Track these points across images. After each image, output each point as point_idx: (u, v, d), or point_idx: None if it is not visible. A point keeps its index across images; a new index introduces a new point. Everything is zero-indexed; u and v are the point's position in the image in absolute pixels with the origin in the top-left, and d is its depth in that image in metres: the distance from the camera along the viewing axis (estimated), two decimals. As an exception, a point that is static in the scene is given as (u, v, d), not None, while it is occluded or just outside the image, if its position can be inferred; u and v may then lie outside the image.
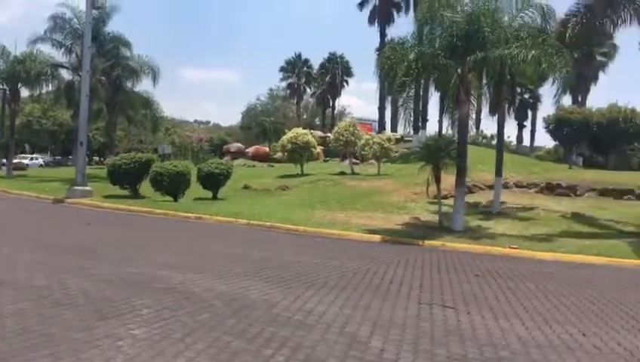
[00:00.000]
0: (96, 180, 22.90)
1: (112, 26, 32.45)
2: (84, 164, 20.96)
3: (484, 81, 17.23)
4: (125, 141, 47.95)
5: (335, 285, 7.38)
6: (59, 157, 60.94)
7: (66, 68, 31.32)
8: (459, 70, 14.93)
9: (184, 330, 5.06)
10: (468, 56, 14.50)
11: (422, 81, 16.99)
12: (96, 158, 51.61)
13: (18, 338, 4.60)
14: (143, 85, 32.73)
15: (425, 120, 41.34)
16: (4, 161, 44.43)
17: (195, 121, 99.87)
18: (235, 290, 6.76)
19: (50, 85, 32.40)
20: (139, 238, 11.77)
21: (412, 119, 28.45)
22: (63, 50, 30.43)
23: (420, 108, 37.11)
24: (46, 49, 30.95)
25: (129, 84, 31.90)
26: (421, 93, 30.06)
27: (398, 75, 14.82)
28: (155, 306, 5.85)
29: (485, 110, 28.58)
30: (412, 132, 37.72)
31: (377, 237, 12.69)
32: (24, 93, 34.21)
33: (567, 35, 15.51)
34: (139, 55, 32.05)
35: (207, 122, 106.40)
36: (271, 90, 74.84)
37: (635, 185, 19.24)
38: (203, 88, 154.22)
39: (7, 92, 34.51)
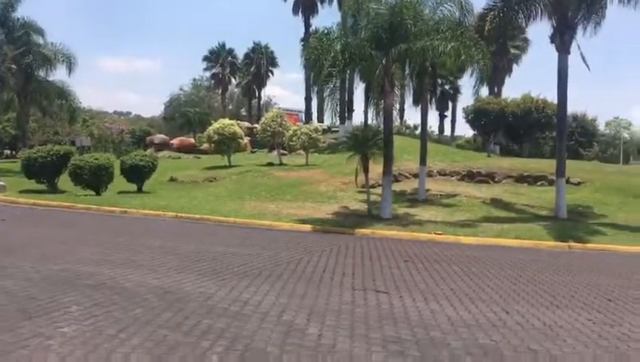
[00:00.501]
0: (10, 175, 21.54)
1: (22, 12, 30.53)
2: (-5, 158, 19.64)
3: (407, 72, 17.79)
4: (39, 133, 45.19)
5: (270, 275, 7.41)
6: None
7: (-30, 54, 29.14)
8: (383, 61, 15.29)
9: (118, 326, 4.92)
10: (392, 47, 14.89)
11: (347, 72, 17.25)
12: (7, 152, 48.45)
13: None
14: (58, 75, 31.08)
15: (351, 110, 41.99)
16: None
17: (115, 112, 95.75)
18: (169, 284, 6.64)
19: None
20: (61, 234, 11.23)
21: (338, 110, 28.90)
22: (-35, 36, 28.33)
23: (346, 99, 37.63)
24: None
25: (42, 73, 30.19)
26: (347, 84, 30.54)
27: (324, 65, 14.98)
28: (84, 303, 5.64)
29: (408, 101, 29.54)
30: (339, 122, 38.24)
31: (308, 227, 12.83)
32: None
33: (486, 28, 16.27)
34: (52, 43, 30.39)
35: (128, 113, 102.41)
36: (194, 80, 73.15)
37: (547, 171, 20.56)
38: (121, 78, 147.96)
39: None
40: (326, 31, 16.03)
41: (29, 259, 7.95)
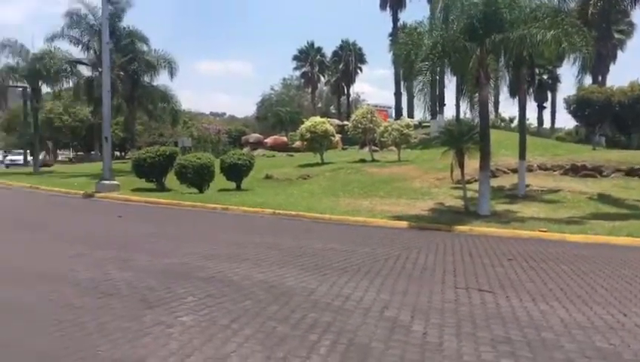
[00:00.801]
0: (121, 174, 23.22)
1: (127, 21, 32.64)
2: (110, 159, 21.26)
3: (502, 63, 17.10)
4: (145, 135, 48.32)
5: (369, 271, 7.47)
6: (81, 154, 61.91)
7: (85, 64, 31.65)
8: (477, 52, 14.81)
9: (230, 317, 5.20)
10: (486, 38, 14.39)
11: (438, 66, 16.88)
12: (117, 153, 52.17)
13: (74, 329, 4.77)
14: (160, 79, 32.96)
15: (442, 105, 41.09)
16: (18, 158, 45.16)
17: (211, 113, 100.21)
18: (273, 278, 6.89)
19: (70, 82, 32.87)
20: (171, 229, 11.97)
21: (430, 104, 28.35)
22: (80, 46, 30.76)
23: (437, 93, 36.84)
24: (64, 46, 31.33)
25: (147, 79, 32.10)
26: (437, 78, 29.88)
27: (415, 60, 14.79)
28: (198, 294, 6.01)
29: (504, 93, 28.37)
30: (430, 117, 37.54)
31: (404, 224, 12.73)
32: (44, 90, 34.86)
33: (589, 12, 15.28)
34: (155, 49, 32.26)
35: (223, 114, 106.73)
36: (284, 79, 74.70)
37: (661, 164, 18.99)
38: (216, 80, 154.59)
39: (29, 89, 35.14)
40: (416, 25, 15.80)
41: (145, 253, 8.57)
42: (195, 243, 9.75)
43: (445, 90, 41.36)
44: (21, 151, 48.65)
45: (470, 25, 14.36)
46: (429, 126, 37.76)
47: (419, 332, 4.88)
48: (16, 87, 36.80)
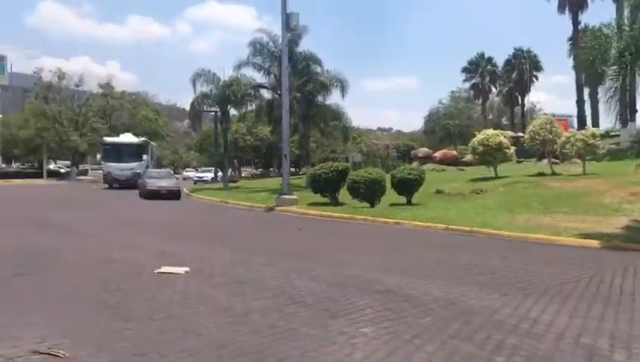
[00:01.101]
0: (297, 189, 24.68)
1: (302, 45, 34.73)
2: (289, 175, 22.76)
3: None
4: (318, 152, 50.93)
5: (557, 293, 6.95)
6: (261, 170, 67.27)
7: (266, 88, 34.39)
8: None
9: (411, 332, 5.23)
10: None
11: (629, 69, 15.17)
12: (292, 169, 55.78)
13: (268, 332, 5.19)
14: (332, 98, 34.41)
15: (634, 111, 36.77)
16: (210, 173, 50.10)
17: (378, 129, 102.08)
18: (452, 295, 6.76)
19: (252, 105, 36.00)
20: (347, 242, 12.40)
21: (620, 111, 25.54)
22: (262, 72, 33.50)
23: (628, 99, 33.05)
24: (248, 72, 34.35)
25: (320, 98, 33.78)
26: (627, 82, 26.82)
27: (604, 64, 13.53)
28: (376, 307, 6.14)
29: None
30: (620, 126, 33.84)
31: (594, 243, 11.59)
32: (231, 113, 38.57)
33: None
34: (327, 70, 33.84)
35: (390, 129, 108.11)
36: (452, 92, 73.22)
37: None
38: (383, 96, 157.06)
39: (219, 113, 39.19)
40: (601, 27, 14.42)
41: (324, 264, 8.99)
42: (370, 256, 9.98)
43: (637, 95, 37.05)
44: (211, 168, 54.15)
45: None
46: (618, 135, 34.08)
47: (622, 362, 4.44)
48: (209, 111, 41.25)
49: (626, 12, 13.90)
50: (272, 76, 33.33)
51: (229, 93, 33.90)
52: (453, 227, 14.15)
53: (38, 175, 53.54)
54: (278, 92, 29.32)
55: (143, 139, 43.91)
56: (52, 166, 64.06)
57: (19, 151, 59.52)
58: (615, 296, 6.89)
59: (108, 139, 42.88)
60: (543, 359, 4.53)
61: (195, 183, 47.81)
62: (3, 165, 70.55)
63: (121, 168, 38.28)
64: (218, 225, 17.21)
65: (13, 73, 74.35)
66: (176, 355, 4.53)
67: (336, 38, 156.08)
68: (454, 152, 43.10)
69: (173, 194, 27.71)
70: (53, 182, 48.90)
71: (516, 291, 7.06)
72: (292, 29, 32.28)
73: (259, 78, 34.17)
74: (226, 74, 38.54)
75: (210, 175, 50.60)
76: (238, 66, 33.65)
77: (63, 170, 62.08)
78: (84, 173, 64.70)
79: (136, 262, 9.00)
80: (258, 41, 33.04)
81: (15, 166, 71.35)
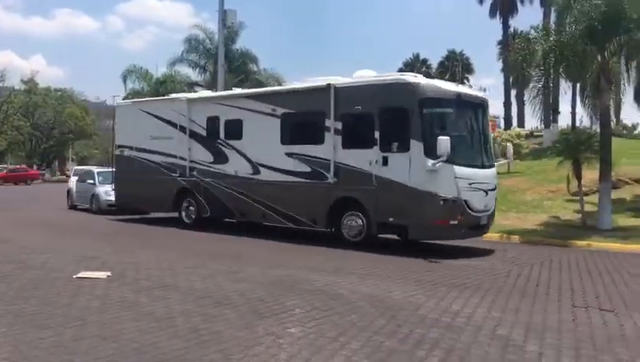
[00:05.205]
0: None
1: (240, 43, 34.34)
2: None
3: (623, 67, 15.86)
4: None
5: (478, 287, 7.23)
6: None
7: (201, 86, 33.73)
8: (598, 57, 13.89)
9: (337, 330, 5.26)
10: (608, 40, 13.46)
11: (551, 72, 16.02)
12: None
13: (190, 336, 5.05)
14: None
15: (556, 113, 38.80)
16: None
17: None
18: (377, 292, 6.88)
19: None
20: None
21: (543, 113, 26.85)
22: (198, 69, 32.92)
23: (551, 101, 34.85)
24: (183, 70, 33.65)
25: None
26: (552, 85, 28.24)
27: (531, 66, 14.23)
28: (305, 306, 6.14)
29: (627, 98, 26.20)
30: (542, 127, 35.65)
31: (515, 238, 12.16)
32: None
33: None
34: (264, 69, 33.68)
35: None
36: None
37: None
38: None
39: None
40: (530, 30, 15.16)
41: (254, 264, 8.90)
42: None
43: (560, 97, 39.19)
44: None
45: (590, 27, 13.51)
46: (541, 135, 35.80)
47: (534, 352, 4.67)
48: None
49: (553, 16, 14.62)
50: (207, 73, 32.85)
51: (162, 91, 33.04)
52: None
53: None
54: (214, 90, 28.89)
55: None
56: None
57: None
58: (531, 288, 7.24)
59: None
60: (461, 351, 4.67)
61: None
62: None
63: None
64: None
65: None
66: (91, 363, 4.34)
67: (275, 36, 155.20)
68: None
69: None
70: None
71: (440, 286, 7.27)
72: (229, 26, 31.99)
73: (194, 75, 33.60)
74: (159, 71, 37.57)
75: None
76: (173, 63, 33.01)
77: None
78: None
79: (55, 267, 8.57)
80: (194, 37, 32.53)
81: None
